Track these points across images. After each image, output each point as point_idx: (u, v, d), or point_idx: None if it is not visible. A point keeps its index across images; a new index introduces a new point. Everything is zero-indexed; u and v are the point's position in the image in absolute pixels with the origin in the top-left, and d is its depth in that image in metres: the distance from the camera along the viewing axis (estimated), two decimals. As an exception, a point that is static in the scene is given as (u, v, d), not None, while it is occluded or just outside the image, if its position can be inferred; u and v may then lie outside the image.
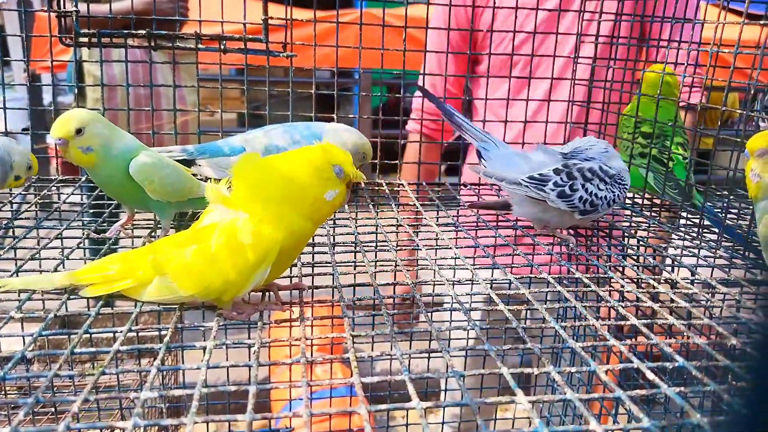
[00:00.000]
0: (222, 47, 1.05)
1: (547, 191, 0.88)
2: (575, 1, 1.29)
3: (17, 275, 0.73)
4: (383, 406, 0.50)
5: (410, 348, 1.32)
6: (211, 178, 0.73)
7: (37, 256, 0.82)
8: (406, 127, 1.42)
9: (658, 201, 1.14)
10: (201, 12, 1.10)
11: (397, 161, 1.20)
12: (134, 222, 0.93)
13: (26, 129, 1.15)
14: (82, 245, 0.87)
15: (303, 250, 0.75)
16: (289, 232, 0.63)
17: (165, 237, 0.75)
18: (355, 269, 0.83)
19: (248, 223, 0.62)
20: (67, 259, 0.81)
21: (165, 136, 1.13)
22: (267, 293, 0.73)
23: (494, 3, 1.17)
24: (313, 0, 1.11)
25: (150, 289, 0.64)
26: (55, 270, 0.75)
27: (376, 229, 0.94)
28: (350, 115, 1.06)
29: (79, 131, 0.76)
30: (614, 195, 0.88)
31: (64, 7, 1.02)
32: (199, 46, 1.05)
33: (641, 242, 0.98)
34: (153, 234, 0.91)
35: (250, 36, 1.05)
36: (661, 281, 0.78)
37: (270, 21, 1.04)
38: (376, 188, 1.15)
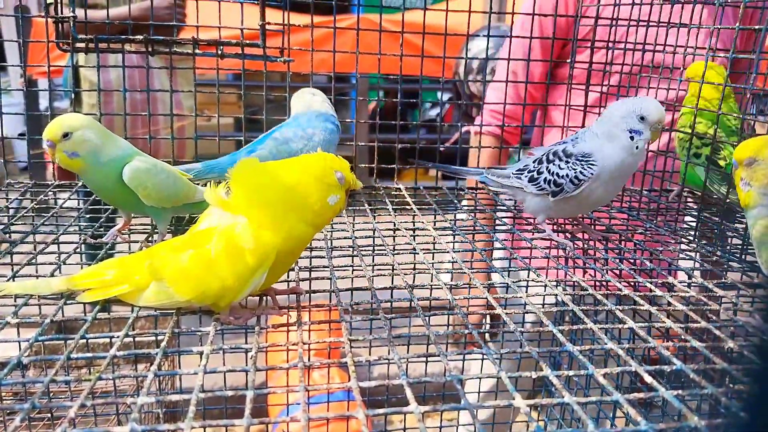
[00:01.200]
0: (219, 52, 1.05)
1: (522, 178, 0.96)
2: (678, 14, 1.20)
3: (14, 280, 0.73)
4: (381, 411, 0.50)
5: (408, 352, 1.31)
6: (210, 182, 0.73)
7: (33, 261, 0.82)
8: (476, 128, 1.41)
9: (654, 205, 1.15)
10: (198, 17, 1.10)
11: (394, 165, 1.20)
12: (131, 227, 0.93)
13: (22, 134, 1.15)
14: (78, 250, 0.87)
15: (300, 254, 0.75)
16: (288, 236, 0.63)
17: (162, 242, 0.74)
18: (352, 273, 0.83)
19: (248, 228, 0.62)
20: (64, 264, 0.81)
21: (161, 141, 1.12)
22: (264, 297, 0.73)
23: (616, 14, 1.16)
24: (311, 5, 1.11)
25: (147, 294, 0.64)
26: (52, 275, 0.75)
27: (374, 233, 0.94)
28: (347, 120, 1.06)
29: (65, 135, 0.76)
30: (575, 172, 0.90)
31: (62, 13, 1.02)
32: (197, 51, 1.05)
33: (638, 246, 0.98)
34: (150, 239, 0.91)
35: (248, 41, 1.05)
36: (658, 284, 0.79)
37: (267, 26, 1.04)
38: (374, 192, 1.15)
